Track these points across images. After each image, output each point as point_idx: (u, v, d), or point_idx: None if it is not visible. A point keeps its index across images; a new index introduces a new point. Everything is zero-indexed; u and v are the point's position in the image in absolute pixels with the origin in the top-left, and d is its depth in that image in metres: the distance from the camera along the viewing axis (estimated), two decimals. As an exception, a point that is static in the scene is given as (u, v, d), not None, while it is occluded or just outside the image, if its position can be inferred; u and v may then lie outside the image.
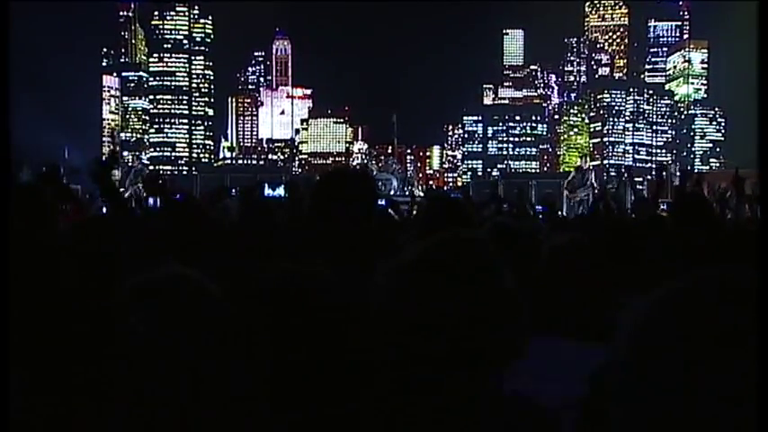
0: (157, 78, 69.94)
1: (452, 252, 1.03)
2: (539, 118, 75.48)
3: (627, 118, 72.29)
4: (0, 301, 0.97)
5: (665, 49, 73.80)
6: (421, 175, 55.20)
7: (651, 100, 72.48)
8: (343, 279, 1.05)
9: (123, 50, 68.71)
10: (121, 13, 68.41)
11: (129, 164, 14.36)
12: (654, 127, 72.40)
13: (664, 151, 71.06)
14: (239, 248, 2.52)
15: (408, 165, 61.07)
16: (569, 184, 13.04)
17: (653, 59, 75.03)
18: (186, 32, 69.92)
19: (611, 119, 72.44)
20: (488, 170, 68.20)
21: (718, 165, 60.45)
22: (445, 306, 0.96)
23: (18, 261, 1.11)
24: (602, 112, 72.80)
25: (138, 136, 68.42)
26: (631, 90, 72.61)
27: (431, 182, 61.15)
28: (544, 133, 75.15)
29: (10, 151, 2.83)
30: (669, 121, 72.46)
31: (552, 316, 1.67)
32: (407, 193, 20.49)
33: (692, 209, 3.12)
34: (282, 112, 77.17)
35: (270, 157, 73.54)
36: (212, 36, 70.49)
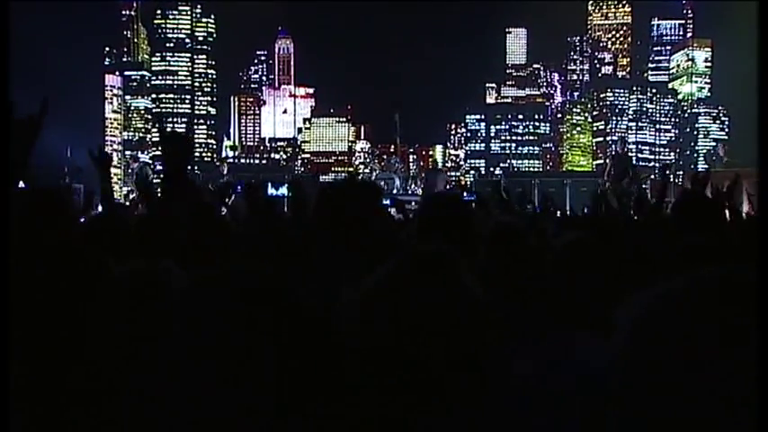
0: (160, 77, 70.02)
1: (417, 268, 1.02)
2: (541, 117, 75.40)
3: (630, 117, 72.19)
4: (1, 301, 1.04)
5: (668, 47, 73.65)
6: (424, 174, 55.13)
7: (654, 99, 72.36)
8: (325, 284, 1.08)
9: (126, 49, 68.80)
10: (124, 12, 68.49)
11: (130, 166, 13.90)
12: (657, 126, 72.28)
13: (667, 150, 70.94)
14: (249, 250, 2.51)
15: (411, 164, 61.00)
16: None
17: (656, 58, 74.89)
18: (189, 31, 69.98)
19: (614, 118, 72.34)
20: (491, 169, 68.16)
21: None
22: (412, 322, 0.96)
23: (27, 261, 1.13)
24: (605, 110, 72.70)
25: (141, 135, 68.49)
26: (634, 89, 72.50)
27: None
28: (547, 132, 75.06)
29: (9, 151, 2.82)
30: (672, 119, 72.33)
31: (560, 314, 1.68)
32: (410, 192, 20.47)
33: (694, 208, 3.11)
34: (285, 111, 77.21)
35: (272, 156, 73.58)
36: (215, 35, 70.55)
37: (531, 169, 65.86)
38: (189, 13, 69.91)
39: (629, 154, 13.78)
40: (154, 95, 69.77)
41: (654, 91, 72.61)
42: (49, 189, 2.55)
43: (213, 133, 72.87)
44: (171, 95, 70.14)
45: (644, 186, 13.33)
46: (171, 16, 69.94)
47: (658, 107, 72.46)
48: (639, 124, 72.01)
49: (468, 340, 0.97)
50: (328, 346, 0.93)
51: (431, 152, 77.39)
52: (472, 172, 67.40)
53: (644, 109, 72.21)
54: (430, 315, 0.96)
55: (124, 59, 68.49)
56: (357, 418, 0.93)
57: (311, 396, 0.89)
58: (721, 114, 69.65)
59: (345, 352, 0.95)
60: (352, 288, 1.03)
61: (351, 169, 64.91)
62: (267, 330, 0.88)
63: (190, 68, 70.25)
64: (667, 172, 8.10)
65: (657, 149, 71.65)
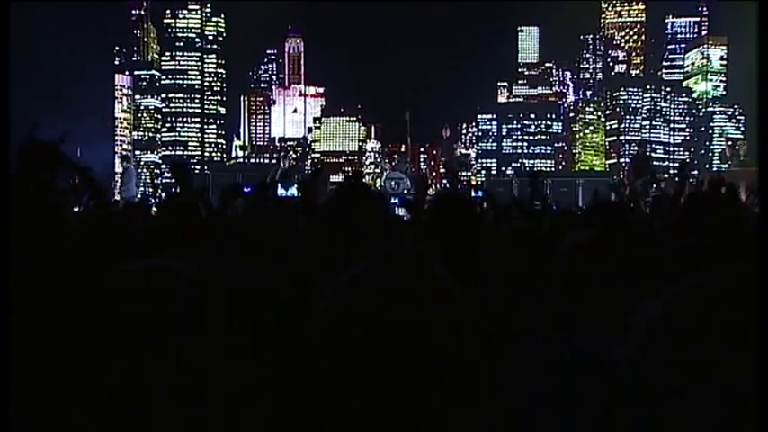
0: (170, 77, 70.36)
1: (391, 269, 1.02)
2: (554, 116, 74.99)
3: (644, 116, 71.63)
4: (1, 302, 1.06)
5: (682, 45, 73.01)
6: (435, 174, 54.99)
7: (668, 97, 71.75)
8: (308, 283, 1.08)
9: (135, 49, 69.17)
10: (133, 12, 68.87)
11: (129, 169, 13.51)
12: (671, 125, 71.69)
13: (681, 149, 70.33)
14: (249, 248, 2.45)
15: (422, 163, 60.92)
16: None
17: (670, 56, 74.27)
18: (198, 31, 70.27)
19: (627, 117, 71.81)
20: (503, 169, 67.88)
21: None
22: (388, 323, 0.95)
23: (24, 261, 1.14)
24: (618, 109, 72.19)
25: (151, 135, 68.88)
26: (648, 87, 71.92)
27: (443, 181, 60.86)
28: (559, 131, 74.66)
29: (9, 151, 2.73)
30: (687, 118, 71.70)
31: (573, 313, 1.64)
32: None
33: (704, 208, 2.99)
34: (295, 111, 77.31)
35: (282, 155, 73.71)
36: (224, 34, 70.79)
37: (544, 169, 65.49)
38: (198, 12, 70.16)
39: (648, 152, 13.60)
40: (164, 95, 70.11)
41: (668, 90, 72.00)
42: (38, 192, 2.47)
43: (223, 133, 73.12)
44: (181, 95, 70.45)
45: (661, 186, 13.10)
46: (180, 15, 70.23)
47: (672, 106, 71.84)
48: (653, 123, 71.43)
49: (445, 340, 0.96)
50: (314, 346, 0.93)
51: (441, 151, 77.28)
52: (483, 172, 67.13)
53: (658, 108, 71.61)
54: (403, 315, 0.96)
55: (134, 59, 68.86)
56: (341, 418, 0.93)
57: (305, 396, 0.89)
58: (737, 113, 68.94)
59: (323, 352, 0.94)
60: (326, 288, 1.02)
61: (362, 169, 65.05)
62: (265, 330, 0.89)
63: (199, 68, 70.53)
64: (686, 171, 7.89)
65: (672, 149, 71.03)
